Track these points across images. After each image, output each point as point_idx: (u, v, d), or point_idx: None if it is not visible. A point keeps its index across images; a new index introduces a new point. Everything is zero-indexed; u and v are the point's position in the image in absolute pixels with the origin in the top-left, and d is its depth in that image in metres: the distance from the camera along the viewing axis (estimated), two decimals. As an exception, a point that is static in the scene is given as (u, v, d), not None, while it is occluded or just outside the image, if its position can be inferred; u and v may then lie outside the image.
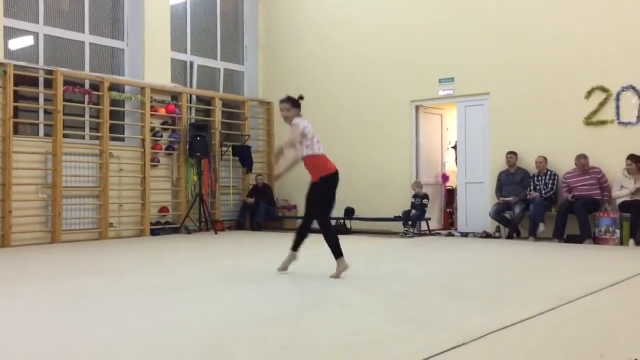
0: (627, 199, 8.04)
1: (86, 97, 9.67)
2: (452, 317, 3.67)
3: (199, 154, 10.53)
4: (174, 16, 11.11)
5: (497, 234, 9.25)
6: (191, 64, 11.50)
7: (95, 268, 6.26)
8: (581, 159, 8.49)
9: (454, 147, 10.90)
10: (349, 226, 10.55)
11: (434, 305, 4.09)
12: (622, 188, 8.17)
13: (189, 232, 10.38)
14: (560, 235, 8.35)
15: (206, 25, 11.88)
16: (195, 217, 10.68)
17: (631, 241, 7.81)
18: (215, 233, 10.40)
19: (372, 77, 10.85)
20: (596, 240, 8.13)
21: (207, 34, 11.88)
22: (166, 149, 10.70)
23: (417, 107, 10.58)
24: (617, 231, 8.05)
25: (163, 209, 10.58)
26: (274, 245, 8.38)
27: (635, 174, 8.10)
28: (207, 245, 8.72)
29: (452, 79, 10.01)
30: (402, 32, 10.53)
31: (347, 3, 11.29)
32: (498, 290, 4.60)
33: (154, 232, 10.16)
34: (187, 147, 10.62)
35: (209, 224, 10.66)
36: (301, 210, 11.54)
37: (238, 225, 11.35)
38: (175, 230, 10.45)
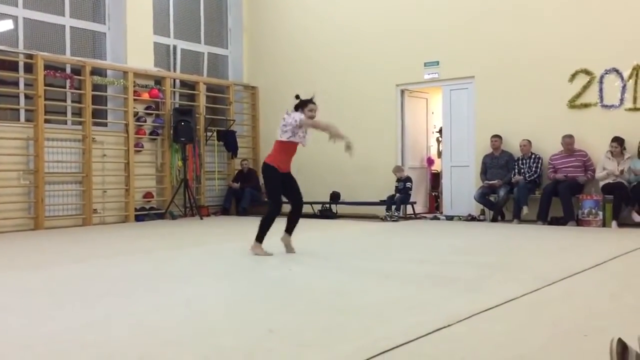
0: (610, 181, 8.12)
1: (68, 81, 9.53)
2: (436, 299, 3.69)
3: (183, 139, 10.45)
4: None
5: (482, 217, 9.31)
6: (174, 47, 11.37)
7: (78, 255, 6.21)
8: (566, 139, 8.55)
9: (439, 133, 10.90)
10: (335, 211, 10.55)
11: (418, 287, 4.10)
12: (604, 170, 8.25)
13: (174, 217, 10.33)
14: (544, 217, 8.42)
15: (189, 9, 11.72)
16: (180, 203, 10.62)
17: (614, 223, 7.89)
18: (201, 218, 10.36)
19: (357, 61, 10.80)
20: (579, 223, 8.21)
21: (190, 18, 11.73)
22: (150, 134, 10.60)
23: (402, 91, 10.56)
24: (600, 213, 8.14)
25: (147, 195, 10.51)
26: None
27: (619, 156, 8.17)
28: (192, 231, 8.68)
29: (437, 63, 9.99)
30: (388, 15, 10.47)
31: (331, -14, 11.19)
32: (482, 272, 4.63)
33: (138, 218, 10.09)
34: (172, 132, 10.53)
35: (194, 210, 10.61)
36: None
37: (224, 210, 11.31)
38: (160, 216, 10.39)
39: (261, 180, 11.74)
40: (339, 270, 4.87)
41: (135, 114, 10.30)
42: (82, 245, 7.18)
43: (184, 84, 11.46)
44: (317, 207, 10.63)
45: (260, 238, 5.74)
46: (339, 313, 3.38)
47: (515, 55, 9.17)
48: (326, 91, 11.20)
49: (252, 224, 9.53)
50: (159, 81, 10.77)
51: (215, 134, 11.36)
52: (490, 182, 9.10)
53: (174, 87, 11.17)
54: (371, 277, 4.54)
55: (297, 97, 6.05)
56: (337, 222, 9.77)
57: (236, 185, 11.28)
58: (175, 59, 11.39)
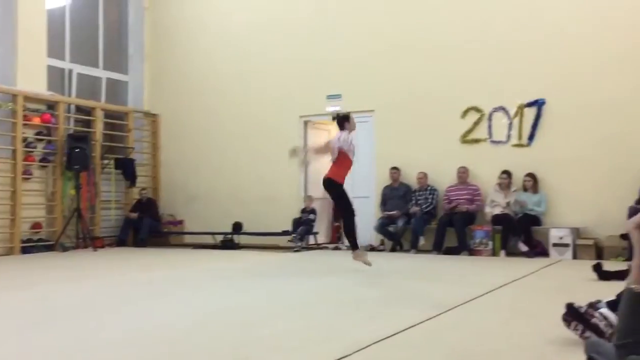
0: (498, 212, 8.62)
1: (-52, 103, 8.85)
2: (337, 328, 3.71)
3: (77, 166, 9.96)
4: (52, 21, 10.49)
5: (381, 247, 9.54)
6: (70, 71, 10.90)
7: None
8: (460, 169, 9.05)
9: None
10: (237, 241, 10.41)
11: (319, 317, 4.11)
12: (492, 202, 8.76)
13: (65, 249, 9.75)
14: (439, 247, 8.76)
15: (88, 33, 11.32)
16: (72, 234, 10.06)
17: (502, 252, 8.36)
18: (94, 250, 9.85)
19: (262, 92, 10.86)
20: (471, 252, 8.61)
21: (88, 42, 11.32)
22: (40, 160, 10.02)
23: (305, 123, 10.72)
24: (490, 243, 8.59)
25: (36, 225, 9.87)
26: (151, 262, 8.09)
27: (506, 189, 8.71)
28: (82, 264, 8.21)
29: (340, 96, 10.26)
30: (290, 48, 10.65)
31: (235, 17, 11.25)
32: (381, 301, 4.72)
33: (25, 250, 9.44)
34: (65, 159, 10.01)
35: (88, 241, 10.08)
36: (188, 226, 11.31)
37: (120, 241, 10.83)
38: (50, 248, 9.78)
39: (162, 210, 11.44)
40: (240, 301, 4.78)
41: (25, 139, 9.72)
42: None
43: (80, 109, 10.98)
44: (219, 238, 10.45)
45: (356, 245, 6.56)
46: (241, 344, 3.31)
47: (413, 91, 9.60)
48: (229, 121, 11.18)
49: (147, 255, 9.32)
50: (52, 106, 10.25)
51: (112, 161, 10.93)
52: (389, 212, 9.37)
53: (69, 112, 10.67)
54: (274, 308, 4.49)
55: (334, 117, 6.84)
56: (239, 252, 9.65)
57: (134, 215, 10.87)
58: (70, 83, 10.91)
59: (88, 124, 10.96)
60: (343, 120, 6.69)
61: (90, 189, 10.45)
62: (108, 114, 11.31)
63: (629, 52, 8.25)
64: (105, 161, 10.87)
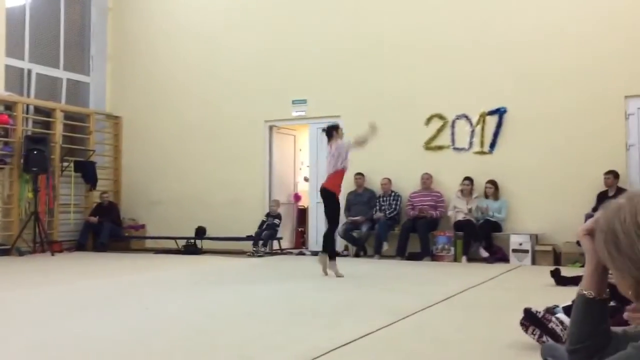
0: (460, 218, 8.72)
1: None
2: (295, 335, 3.68)
3: (35, 169, 9.70)
4: (11, 20, 10.23)
5: (345, 253, 9.55)
6: (29, 72, 10.64)
7: None
8: (424, 176, 9.15)
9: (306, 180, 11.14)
10: (200, 246, 10.29)
11: (278, 324, 4.07)
12: (455, 208, 8.86)
13: (21, 254, 9.48)
14: (402, 253, 8.81)
15: (48, 32, 11.08)
16: (29, 238, 9.79)
17: (464, 258, 8.46)
18: (52, 254, 9.60)
19: (225, 96, 10.79)
20: (434, 258, 8.69)
21: (49, 41, 11.07)
22: (-4, 162, 9.75)
23: (270, 127, 10.68)
24: (452, 249, 8.68)
25: (-9, 229, 9.59)
26: (108, 267, 7.94)
27: (468, 195, 8.83)
28: (37, 269, 7.98)
29: (305, 101, 10.25)
30: (257, 53, 10.61)
31: (200, 19, 11.16)
32: (342, 307, 4.71)
33: (-21, 255, 9.15)
34: (22, 161, 9.75)
35: (45, 245, 9.83)
36: (150, 230, 11.13)
37: (79, 246, 10.59)
38: (6, 252, 9.50)
39: (123, 214, 11.23)
40: (199, 308, 4.71)
41: (-20, 140, 9.44)
42: None
43: (38, 110, 10.72)
44: (182, 243, 10.31)
45: (334, 255, 6.79)
46: (199, 353, 3.25)
47: (378, 97, 9.66)
48: (194, 124, 11.06)
49: (105, 260, 9.12)
50: (9, 106, 9.98)
51: (72, 164, 10.70)
52: (354, 218, 9.39)
53: (27, 113, 10.41)
54: (232, 315, 4.44)
55: (324, 129, 6.94)
56: (202, 258, 9.53)
57: (94, 219, 10.65)
58: (29, 83, 10.64)
59: (47, 125, 10.70)
60: (332, 130, 6.85)
61: (48, 192, 10.20)
62: (68, 116, 11.06)
63: (586, 62, 8.46)
64: (65, 164, 10.62)
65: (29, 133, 10.25)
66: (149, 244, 11.05)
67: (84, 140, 11.22)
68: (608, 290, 1.53)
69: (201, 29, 11.13)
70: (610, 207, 1.34)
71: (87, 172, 10.84)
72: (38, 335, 3.71)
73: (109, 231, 10.51)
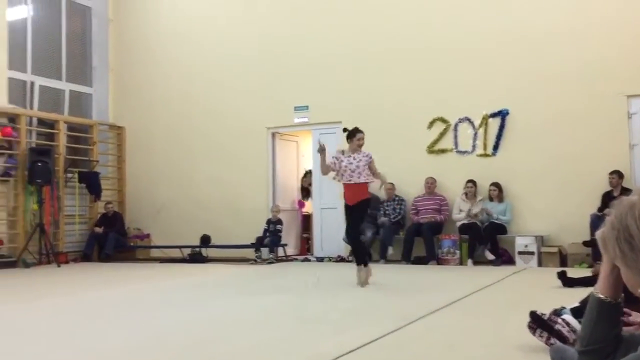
0: (465, 222, 8.70)
1: None
2: (302, 342, 3.67)
3: (39, 180, 9.73)
4: (13, 33, 10.29)
5: (350, 258, 9.51)
6: (32, 84, 10.69)
7: None
8: (428, 180, 9.13)
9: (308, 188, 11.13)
10: (205, 254, 10.29)
11: (286, 330, 4.07)
12: (460, 211, 8.85)
13: (27, 266, 9.50)
14: (407, 257, 8.80)
15: (50, 44, 11.13)
16: (35, 250, 9.81)
17: (469, 261, 8.44)
18: (58, 266, 9.61)
19: (227, 104, 10.81)
20: (439, 261, 8.67)
21: (51, 54, 11.12)
22: (1, 175, 9.77)
23: (273, 134, 10.70)
24: (457, 252, 8.67)
25: (-3, 241, 9.61)
26: (116, 277, 7.95)
27: (472, 198, 8.82)
28: (43, 280, 8.00)
29: (307, 107, 10.26)
30: (258, 60, 10.63)
31: (201, 28, 11.19)
32: (349, 312, 4.70)
33: (-15, 268, 9.16)
34: (26, 173, 9.78)
35: (51, 257, 9.84)
36: (155, 239, 11.14)
37: (84, 256, 10.60)
38: (12, 265, 9.51)
39: (128, 224, 11.24)
40: (206, 316, 4.71)
41: (-16, 153, 9.48)
42: None
43: (42, 122, 10.76)
44: (187, 251, 10.31)
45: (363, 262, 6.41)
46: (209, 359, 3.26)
47: (380, 102, 9.67)
48: (196, 133, 11.08)
49: (112, 270, 9.12)
50: (13, 119, 10.02)
51: (76, 175, 10.73)
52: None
53: (31, 126, 10.45)
54: (239, 322, 4.43)
55: (345, 130, 6.49)
56: (207, 266, 9.53)
57: (99, 229, 10.66)
58: (32, 95, 10.69)
59: (51, 137, 10.74)
60: (356, 133, 6.51)
61: (53, 203, 10.22)
62: (71, 127, 11.10)
63: (588, 63, 8.46)
64: (69, 175, 10.66)
65: (33, 145, 10.29)
66: (155, 253, 11.05)
67: (87, 151, 11.26)
68: (623, 295, 1.51)
69: (202, 38, 11.16)
70: (622, 204, 1.31)
71: (91, 182, 10.87)
72: (44, 347, 3.72)
73: (114, 241, 10.52)
